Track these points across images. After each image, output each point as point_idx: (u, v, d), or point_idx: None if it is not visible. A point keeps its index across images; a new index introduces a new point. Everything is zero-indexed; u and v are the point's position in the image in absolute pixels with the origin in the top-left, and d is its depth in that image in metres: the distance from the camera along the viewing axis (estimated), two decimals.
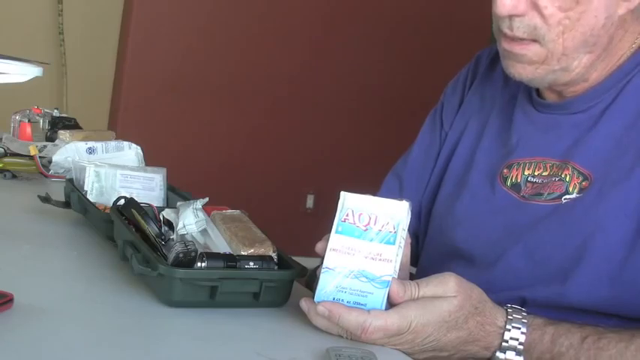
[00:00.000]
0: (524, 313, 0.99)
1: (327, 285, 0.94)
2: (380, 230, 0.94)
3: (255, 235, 1.06)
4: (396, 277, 0.94)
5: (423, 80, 3.96)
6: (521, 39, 1.07)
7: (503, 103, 1.24)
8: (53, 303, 0.94)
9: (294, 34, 4.01)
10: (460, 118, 1.29)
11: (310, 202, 4.17)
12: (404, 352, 0.94)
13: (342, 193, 0.96)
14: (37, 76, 1.55)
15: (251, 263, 0.99)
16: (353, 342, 0.93)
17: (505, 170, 1.17)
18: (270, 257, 1.02)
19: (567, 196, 1.09)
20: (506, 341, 0.97)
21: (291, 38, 4.00)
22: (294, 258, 1.04)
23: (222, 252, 1.02)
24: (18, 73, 1.53)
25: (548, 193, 1.11)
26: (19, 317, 0.87)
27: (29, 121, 1.86)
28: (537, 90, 1.18)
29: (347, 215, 0.95)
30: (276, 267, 1.01)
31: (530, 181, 1.14)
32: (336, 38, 4.06)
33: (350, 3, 4.06)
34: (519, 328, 0.97)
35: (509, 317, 0.98)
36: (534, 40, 1.07)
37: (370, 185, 1.37)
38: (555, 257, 1.07)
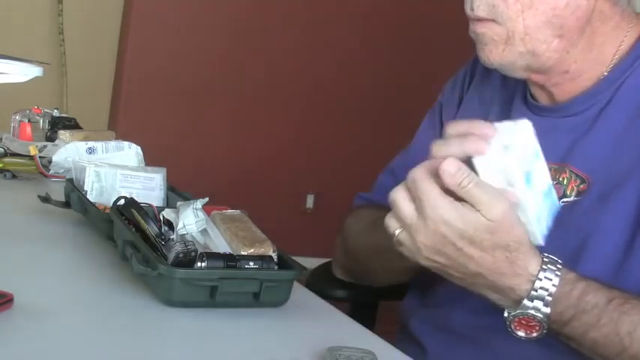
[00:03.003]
0: (559, 265, 0.97)
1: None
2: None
3: (255, 235, 1.06)
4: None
5: (422, 80, 3.95)
6: (481, 18, 1.09)
7: (500, 105, 1.24)
8: (53, 303, 0.94)
9: (294, 34, 4.01)
10: (460, 117, 1.29)
11: (310, 202, 4.17)
12: (443, 273, 0.96)
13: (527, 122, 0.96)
14: (37, 76, 1.54)
15: (251, 263, 0.99)
16: (353, 342, 0.92)
17: None
18: (270, 257, 1.02)
19: (565, 199, 1.09)
20: (536, 290, 0.96)
21: (291, 38, 4.00)
22: (294, 258, 1.04)
23: (222, 252, 1.02)
24: (18, 73, 1.52)
25: None
26: (19, 317, 0.87)
27: (29, 121, 1.86)
28: (531, 93, 1.18)
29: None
30: (276, 267, 1.01)
31: None
32: (336, 38, 4.06)
33: (350, 3, 4.06)
34: (551, 280, 0.96)
35: (543, 267, 0.96)
36: (493, 20, 1.08)
37: (370, 185, 1.38)
38: None
